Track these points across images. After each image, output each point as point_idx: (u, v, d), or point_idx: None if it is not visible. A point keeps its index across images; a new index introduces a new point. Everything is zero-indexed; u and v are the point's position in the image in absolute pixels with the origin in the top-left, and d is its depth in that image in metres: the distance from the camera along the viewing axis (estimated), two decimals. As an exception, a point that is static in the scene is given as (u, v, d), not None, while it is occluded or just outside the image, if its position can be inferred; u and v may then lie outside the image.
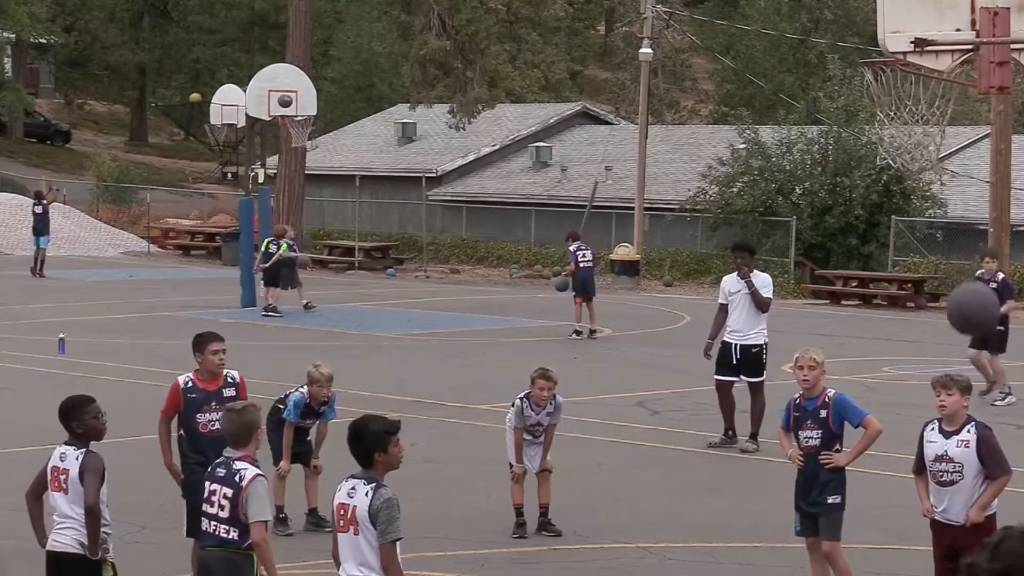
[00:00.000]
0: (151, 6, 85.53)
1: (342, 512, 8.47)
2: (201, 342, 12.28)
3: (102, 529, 9.79)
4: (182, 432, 12.21)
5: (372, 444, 8.50)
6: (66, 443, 9.90)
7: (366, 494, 8.38)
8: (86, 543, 9.75)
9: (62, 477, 9.79)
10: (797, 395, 11.92)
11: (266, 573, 9.30)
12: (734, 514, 15.37)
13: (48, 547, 9.89)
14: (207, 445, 11.62)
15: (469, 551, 13.72)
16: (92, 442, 9.88)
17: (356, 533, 8.40)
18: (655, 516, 15.44)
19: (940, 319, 36.96)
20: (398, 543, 8.39)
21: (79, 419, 9.83)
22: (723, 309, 19.22)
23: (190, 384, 12.19)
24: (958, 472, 10.69)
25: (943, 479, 10.76)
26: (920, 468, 10.93)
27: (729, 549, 13.80)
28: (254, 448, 9.52)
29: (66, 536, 9.77)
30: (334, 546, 8.63)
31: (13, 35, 75.25)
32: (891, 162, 18.12)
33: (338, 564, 8.64)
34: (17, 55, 79.16)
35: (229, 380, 12.26)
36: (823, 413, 11.68)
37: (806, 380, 11.76)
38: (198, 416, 12.03)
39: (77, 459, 9.76)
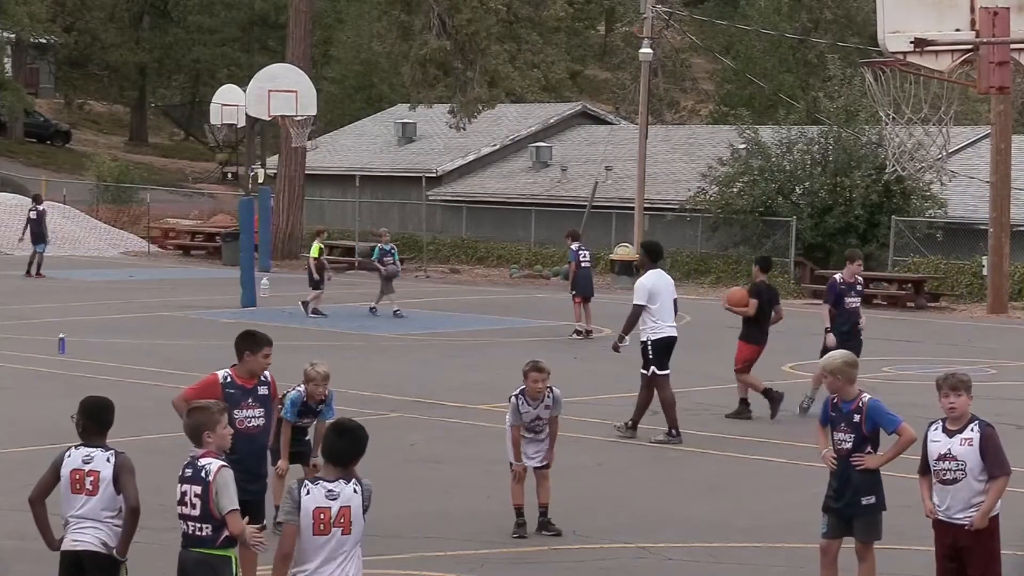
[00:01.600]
0: (151, 6, 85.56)
1: (322, 517, 8.50)
2: (257, 344, 12.30)
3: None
4: None
5: (363, 448, 8.68)
6: (86, 445, 9.82)
7: (355, 491, 8.49)
8: (110, 543, 9.70)
9: (89, 479, 9.68)
10: (834, 395, 11.84)
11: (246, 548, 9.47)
12: (734, 514, 15.36)
13: (66, 547, 9.79)
14: (241, 441, 11.52)
15: (469, 551, 13.71)
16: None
17: (346, 532, 8.47)
18: (655, 516, 15.42)
19: (940, 319, 37.02)
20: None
21: (109, 422, 9.86)
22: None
23: (229, 380, 12.23)
24: (960, 470, 10.72)
25: (946, 477, 10.79)
26: (925, 469, 10.95)
27: (729, 549, 13.80)
28: (215, 446, 9.57)
29: (87, 535, 9.70)
30: (286, 544, 8.67)
31: (13, 35, 75.29)
32: (900, 170, 18.17)
33: (285, 561, 8.70)
34: (17, 55, 79.19)
35: (262, 379, 12.35)
36: (856, 417, 11.57)
37: (832, 388, 11.71)
38: (236, 412, 12.02)
39: (108, 461, 9.70)
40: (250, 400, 12.11)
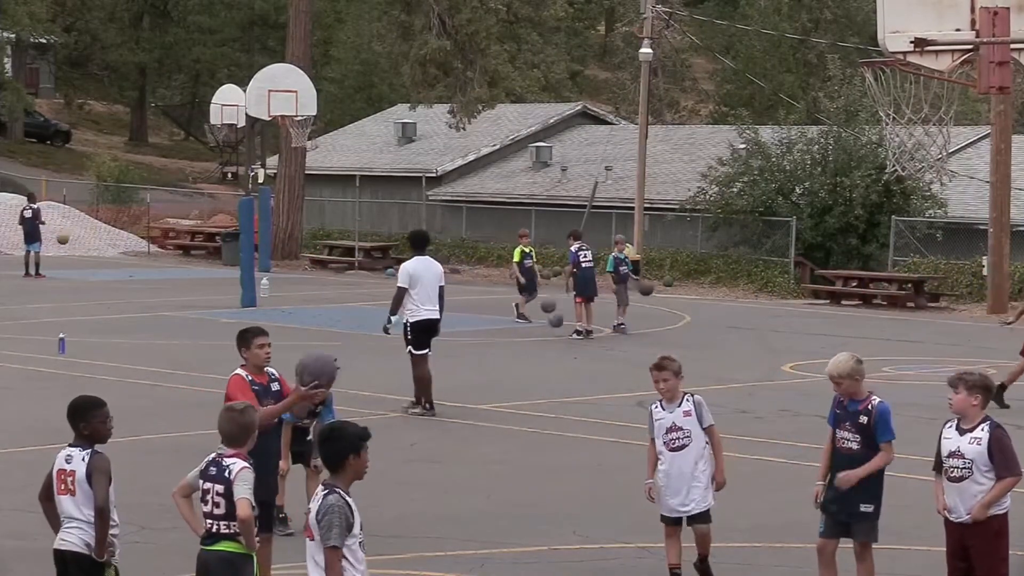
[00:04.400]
0: (151, 6, 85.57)
1: (308, 518, 8.64)
2: (246, 337, 12.41)
3: (110, 532, 9.76)
4: None
5: (348, 447, 8.65)
6: (71, 444, 9.83)
7: (317, 499, 8.56)
8: (92, 544, 9.72)
9: (68, 479, 9.70)
10: (843, 395, 11.73)
11: (248, 541, 9.43)
12: (734, 514, 15.35)
13: (55, 545, 9.84)
14: (261, 439, 11.42)
15: (469, 551, 13.71)
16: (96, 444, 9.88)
17: (312, 538, 8.57)
18: (655, 516, 15.40)
19: (940, 319, 37.04)
20: (336, 551, 8.49)
21: (87, 421, 9.79)
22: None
23: (251, 378, 12.28)
24: (967, 469, 10.77)
25: (953, 475, 10.85)
26: (939, 466, 11.00)
27: (729, 549, 13.79)
28: (248, 448, 9.62)
29: (72, 535, 9.72)
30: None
31: (13, 35, 75.28)
32: (900, 170, 18.17)
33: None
34: (17, 55, 79.18)
35: (272, 375, 12.44)
36: (863, 419, 11.46)
37: (848, 390, 11.59)
38: None
39: (83, 460, 9.69)
40: (269, 398, 12.19)
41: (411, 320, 20.86)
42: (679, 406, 12.20)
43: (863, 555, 11.73)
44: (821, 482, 11.74)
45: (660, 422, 12.29)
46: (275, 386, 12.40)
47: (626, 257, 32.62)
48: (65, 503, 9.75)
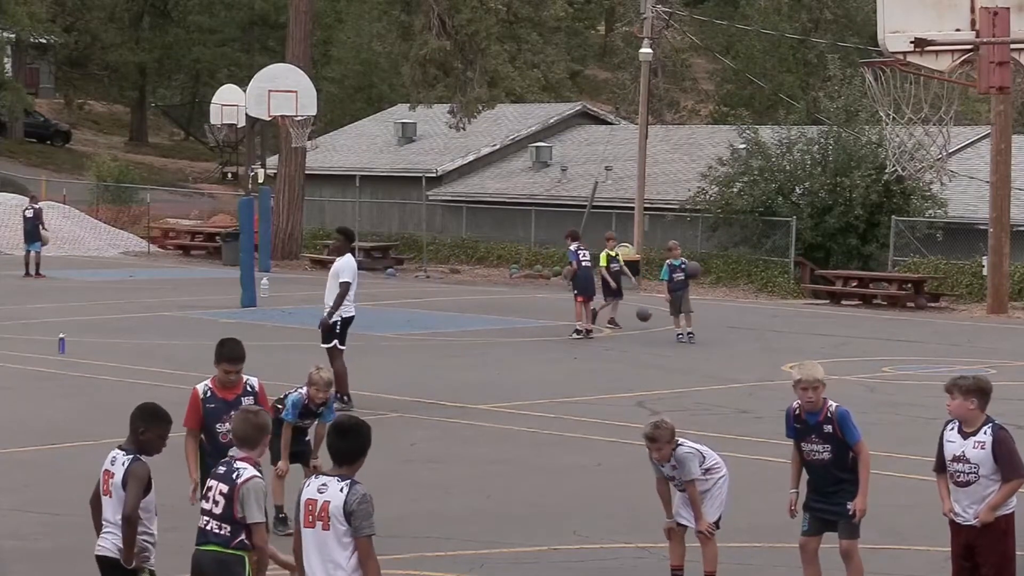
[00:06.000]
0: (151, 6, 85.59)
1: (310, 508, 8.59)
2: (218, 356, 12.17)
3: (144, 538, 9.72)
4: (203, 437, 12.20)
5: (366, 445, 8.67)
6: (120, 446, 9.84)
7: (341, 490, 8.53)
8: None
9: (109, 480, 9.74)
10: (796, 405, 11.74)
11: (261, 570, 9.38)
12: (734, 514, 15.34)
13: (95, 551, 9.84)
14: (223, 454, 11.35)
15: (469, 551, 13.71)
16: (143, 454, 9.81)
17: (325, 528, 8.54)
18: (655, 516, 15.39)
19: (940, 319, 37.03)
20: (372, 538, 8.56)
21: (150, 428, 9.79)
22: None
23: (209, 393, 12.12)
24: (974, 473, 10.76)
25: (960, 479, 10.84)
26: (940, 467, 10.99)
27: (729, 549, 13.79)
28: (261, 452, 9.60)
29: (107, 541, 9.76)
30: (296, 542, 8.76)
31: (13, 35, 75.28)
32: (900, 170, 18.19)
33: (298, 559, 8.78)
34: (17, 55, 79.17)
35: (248, 388, 12.20)
36: (828, 428, 11.51)
37: (811, 401, 11.56)
38: (217, 426, 11.98)
39: (124, 464, 9.70)
40: (232, 413, 12.00)
41: (344, 316, 21.19)
42: (669, 463, 12.50)
43: (850, 553, 11.74)
44: (794, 490, 11.87)
45: (663, 470, 12.62)
46: (247, 399, 12.05)
47: (682, 263, 31.04)
48: (105, 504, 9.78)
